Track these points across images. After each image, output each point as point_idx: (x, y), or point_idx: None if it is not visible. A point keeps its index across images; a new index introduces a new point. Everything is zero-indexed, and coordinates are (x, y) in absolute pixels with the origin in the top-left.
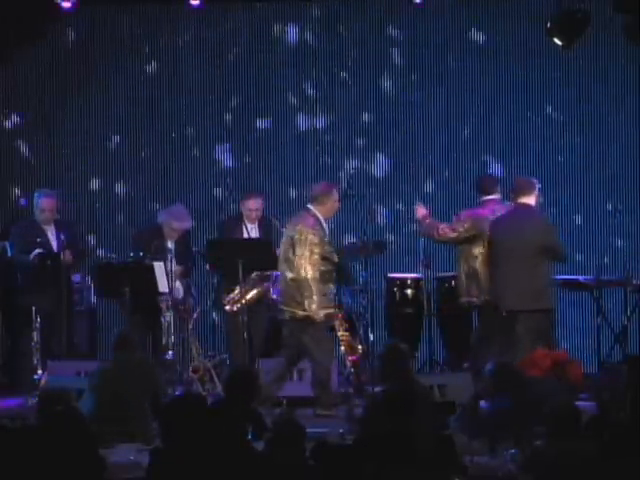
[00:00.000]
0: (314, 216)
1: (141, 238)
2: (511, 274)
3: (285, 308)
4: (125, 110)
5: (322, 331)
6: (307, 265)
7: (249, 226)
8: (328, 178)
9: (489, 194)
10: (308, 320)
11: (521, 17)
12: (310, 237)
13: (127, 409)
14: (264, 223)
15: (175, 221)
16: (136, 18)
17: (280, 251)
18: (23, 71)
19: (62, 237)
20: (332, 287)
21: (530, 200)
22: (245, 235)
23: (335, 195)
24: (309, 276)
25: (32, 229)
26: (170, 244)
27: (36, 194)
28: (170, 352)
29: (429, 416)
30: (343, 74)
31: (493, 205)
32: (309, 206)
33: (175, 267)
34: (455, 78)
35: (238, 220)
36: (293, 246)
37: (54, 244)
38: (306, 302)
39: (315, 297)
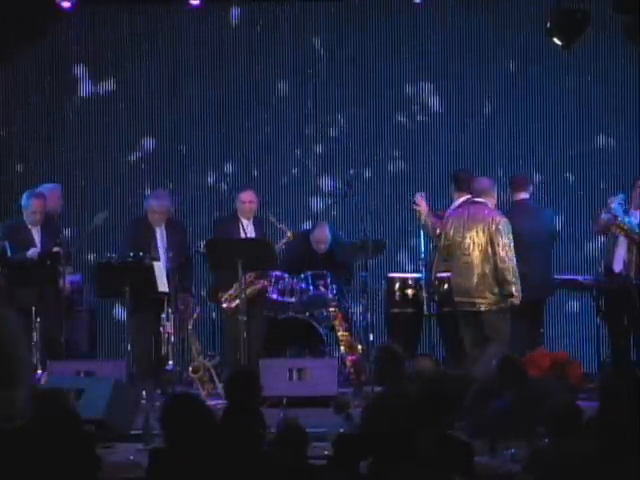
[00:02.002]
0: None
1: (134, 225)
2: (538, 265)
3: (477, 300)
4: (125, 109)
5: (509, 318)
6: (510, 253)
7: (244, 222)
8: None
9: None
10: (501, 308)
11: (521, 17)
12: (509, 225)
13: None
14: (258, 220)
15: (153, 200)
16: (136, 18)
17: (470, 245)
18: (23, 71)
19: (62, 237)
20: None
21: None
22: (241, 232)
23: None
24: (513, 263)
25: (19, 230)
26: (160, 241)
27: (25, 195)
28: (170, 363)
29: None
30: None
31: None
32: (480, 200)
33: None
34: (455, 79)
35: (233, 218)
36: (491, 237)
37: (39, 245)
38: (513, 288)
39: (518, 282)
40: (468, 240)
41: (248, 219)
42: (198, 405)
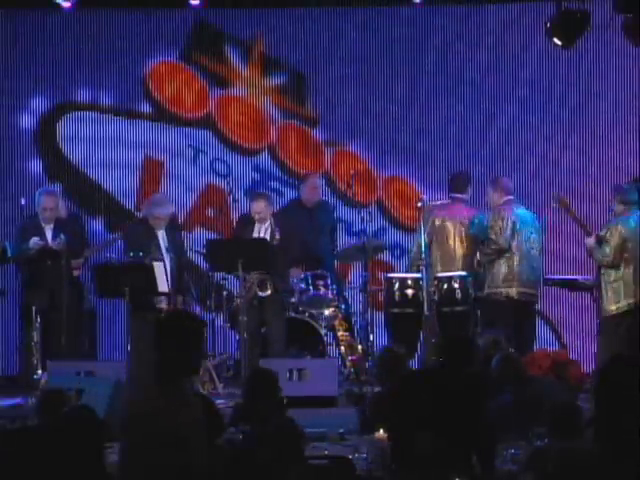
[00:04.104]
0: None
1: (133, 229)
2: None
3: (537, 292)
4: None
5: None
6: None
7: (257, 226)
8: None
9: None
10: None
11: (522, 17)
12: None
13: None
14: (273, 223)
15: (155, 208)
16: (136, 18)
17: (534, 240)
18: (23, 71)
19: (62, 237)
20: None
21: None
22: (255, 234)
23: None
24: None
25: (33, 228)
26: (162, 243)
27: (37, 192)
28: None
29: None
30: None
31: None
32: (513, 197)
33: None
34: (457, 78)
35: (250, 220)
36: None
37: (51, 243)
38: None
39: None
40: (533, 235)
41: (262, 224)
42: (208, 404)
